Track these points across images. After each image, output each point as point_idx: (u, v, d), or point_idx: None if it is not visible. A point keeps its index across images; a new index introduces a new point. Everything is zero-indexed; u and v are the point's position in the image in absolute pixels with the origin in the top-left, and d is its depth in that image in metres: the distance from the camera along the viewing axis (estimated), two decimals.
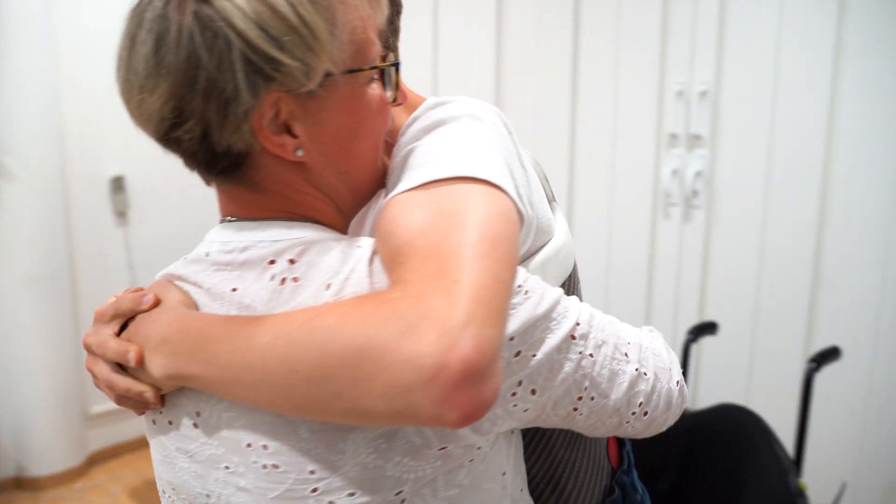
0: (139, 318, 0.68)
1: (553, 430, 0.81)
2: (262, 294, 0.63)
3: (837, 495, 1.85)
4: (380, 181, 0.74)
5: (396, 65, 0.70)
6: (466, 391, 0.50)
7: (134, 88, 0.62)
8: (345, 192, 0.70)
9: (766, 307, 2.44)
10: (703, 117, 2.48)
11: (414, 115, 0.74)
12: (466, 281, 0.53)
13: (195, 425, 0.67)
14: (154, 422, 0.71)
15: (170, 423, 0.69)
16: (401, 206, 0.62)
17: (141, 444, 3.43)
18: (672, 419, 0.76)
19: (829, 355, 1.89)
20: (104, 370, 0.69)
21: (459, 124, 0.70)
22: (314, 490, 0.62)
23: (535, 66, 2.86)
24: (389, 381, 0.51)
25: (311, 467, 0.62)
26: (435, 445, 0.61)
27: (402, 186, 0.65)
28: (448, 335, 0.50)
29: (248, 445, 0.64)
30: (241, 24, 0.57)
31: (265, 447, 0.62)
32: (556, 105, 2.85)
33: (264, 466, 0.63)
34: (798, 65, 2.26)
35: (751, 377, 2.50)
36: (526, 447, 0.80)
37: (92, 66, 3.09)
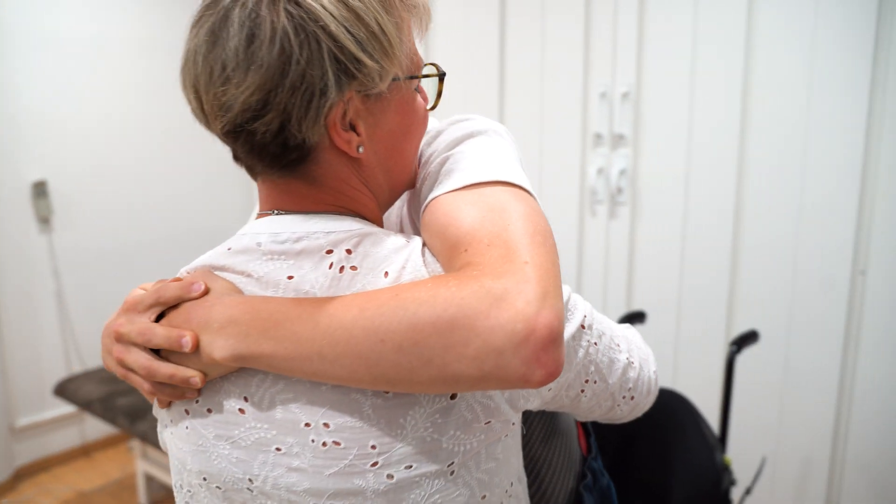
0: (186, 305, 0.68)
1: (531, 431, 0.86)
2: (321, 281, 0.67)
3: (758, 469, 1.93)
4: (412, 182, 0.78)
5: (443, 75, 0.75)
6: (550, 352, 0.57)
7: (214, 80, 0.64)
8: (386, 190, 0.75)
9: (688, 296, 2.51)
10: (626, 118, 2.54)
11: (437, 128, 0.79)
12: (533, 263, 0.59)
13: (241, 410, 0.68)
14: (187, 411, 0.71)
15: (209, 410, 0.69)
16: (451, 203, 0.68)
17: (70, 457, 3.32)
18: (648, 405, 0.84)
19: (749, 338, 1.95)
20: (143, 358, 0.68)
21: (487, 138, 0.76)
22: (374, 464, 0.65)
23: (463, 70, 2.89)
24: (483, 345, 0.56)
25: (372, 442, 0.65)
26: (482, 419, 0.67)
27: (445, 188, 0.70)
28: (532, 305, 0.56)
29: (307, 425, 0.66)
30: (333, 26, 0.62)
31: (326, 425, 0.65)
32: (484, 107, 2.88)
33: (324, 444, 0.65)
34: (712, 67, 2.34)
35: (677, 361, 2.56)
36: None
37: (9, 68, 2.98)
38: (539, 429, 0.89)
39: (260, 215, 0.74)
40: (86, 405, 2.69)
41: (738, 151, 2.33)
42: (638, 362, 0.81)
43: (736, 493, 1.95)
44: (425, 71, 0.74)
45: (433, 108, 0.78)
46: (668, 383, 2.54)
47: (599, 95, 2.58)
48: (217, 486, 0.70)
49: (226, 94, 0.64)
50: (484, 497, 0.70)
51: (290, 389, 0.67)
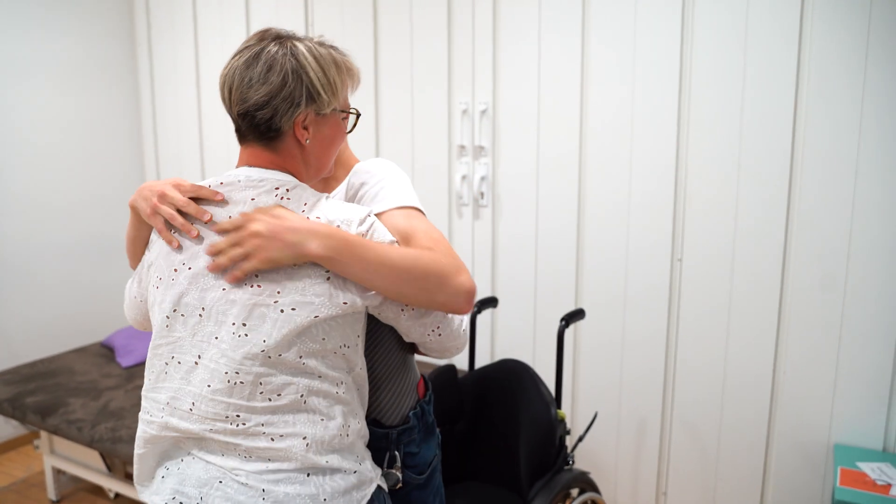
0: (203, 203, 1.13)
1: (390, 359, 1.28)
2: (270, 202, 1.11)
3: (591, 421, 2.17)
4: (324, 173, 1.24)
5: (359, 115, 1.26)
6: (472, 300, 1.12)
7: (243, 85, 1.11)
8: (312, 171, 1.21)
9: (542, 281, 2.77)
10: (485, 131, 2.79)
11: (365, 167, 1.27)
12: (456, 257, 1.12)
13: (208, 267, 1.09)
14: (176, 270, 1.12)
15: (189, 268, 1.11)
16: (394, 216, 1.18)
17: None
18: (459, 347, 1.25)
19: (576, 315, 2.15)
20: (173, 211, 1.12)
21: (396, 176, 1.25)
22: (275, 301, 1.06)
23: None
24: (451, 290, 1.09)
25: (278, 289, 1.07)
26: (341, 300, 1.09)
27: (385, 206, 1.19)
28: (469, 279, 1.11)
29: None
30: (312, 73, 1.11)
31: (256, 275, 1.08)
32: (361, 123, 3.07)
33: (252, 286, 1.07)
34: (554, 87, 2.61)
35: (535, 334, 2.81)
36: (371, 347, 1.27)
37: None
38: (395, 361, 1.29)
39: (238, 166, 1.17)
40: None
41: (578, 159, 2.62)
42: (450, 315, 1.21)
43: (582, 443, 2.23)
44: (350, 111, 1.22)
45: (349, 132, 1.24)
46: (527, 353, 2.83)
47: (462, 112, 2.83)
48: (182, 314, 1.11)
49: (248, 93, 1.10)
50: (323, 340, 1.09)
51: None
